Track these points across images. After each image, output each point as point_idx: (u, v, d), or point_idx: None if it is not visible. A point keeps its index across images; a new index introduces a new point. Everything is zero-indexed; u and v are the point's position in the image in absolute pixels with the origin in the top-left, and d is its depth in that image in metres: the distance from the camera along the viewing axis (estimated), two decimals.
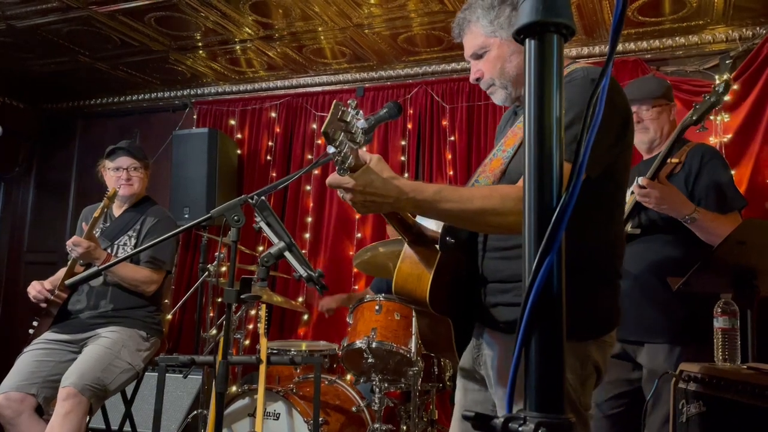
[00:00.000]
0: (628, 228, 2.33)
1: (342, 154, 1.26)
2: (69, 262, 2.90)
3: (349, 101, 1.28)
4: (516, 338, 1.60)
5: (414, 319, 2.96)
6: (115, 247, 3.05)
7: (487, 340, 1.58)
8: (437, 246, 1.52)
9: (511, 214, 1.36)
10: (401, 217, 1.51)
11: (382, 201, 1.33)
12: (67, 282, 2.20)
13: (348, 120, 1.25)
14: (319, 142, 4.70)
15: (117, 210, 3.17)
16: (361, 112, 1.30)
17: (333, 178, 1.34)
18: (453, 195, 1.38)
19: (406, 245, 1.57)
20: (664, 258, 2.27)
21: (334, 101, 1.25)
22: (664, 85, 2.50)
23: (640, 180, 2.12)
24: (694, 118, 2.08)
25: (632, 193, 2.42)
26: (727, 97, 2.13)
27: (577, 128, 1.36)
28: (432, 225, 1.60)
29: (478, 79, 1.67)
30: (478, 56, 1.64)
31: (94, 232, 2.95)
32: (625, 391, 2.32)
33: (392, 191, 1.33)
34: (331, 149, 1.25)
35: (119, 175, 3.08)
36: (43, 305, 2.94)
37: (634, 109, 2.44)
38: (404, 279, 1.55)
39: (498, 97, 1.67)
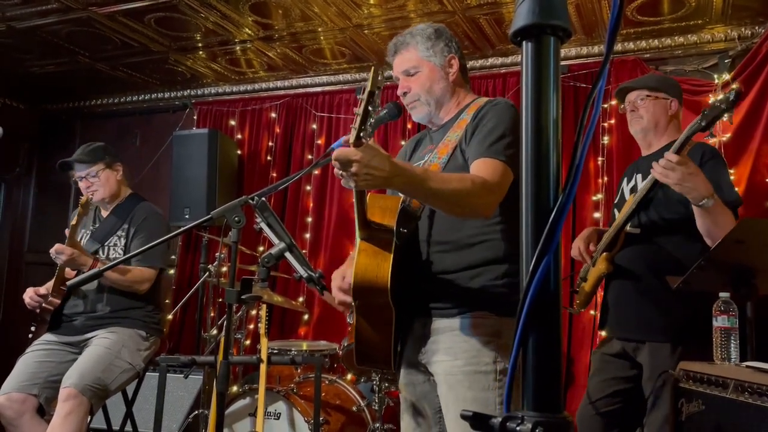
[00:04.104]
0: (628, 227, 2.33)
1: (373, 115, 1.39)
2: (57, 269, 2.87)
3: (381, 69, 1.38)
4: (463, 320, 1.69)
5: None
6: (106, 248, 3.05)
7: (433, 327, 1.75)
8: (388, 238, 1.64)
9: (479, 196, 1.60)
10: (364, 212, 1.64)
11: (379, 175, 1.44)
12: (68, 283, 2.20)
13: (381, 87, 1.39)
14: (320, 142, 4.70)
15: (105, 212, 3.16)
16: None
17: (341, 150, 1.43)
18: (436, 176, 1.60)
19: (359, 241, 1.66)
20: (664, 257, 2.27)
21: (373, 65, 1.35)
22: (666, 81, 2.51)
23: (669, 154, 2.04)
24: (703, 123, 2.04)
25: (632, 193, 2.43)
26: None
27: (510, 140, 1.68)
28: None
29: (405, 93, 1.91)
30: (409, 74, 1.90)
31: (80, 236, 2.94)
32: (622, 389, 2.33)
33: (388, 167, 1.45)
34: (371, 107, 1.38)
35: (82, 185, 3.07)
36: (38, 311, 2.94)
37: (631, 97, 2.47)
38: (363, 269, 1.61)
39: (419, 113, 1.92)
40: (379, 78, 1.37)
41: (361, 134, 1.40)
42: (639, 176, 2.44)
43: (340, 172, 1.45)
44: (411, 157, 2.00)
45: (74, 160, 3.08)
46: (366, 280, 1.61)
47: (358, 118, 1.39)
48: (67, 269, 2.90)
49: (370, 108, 1.37)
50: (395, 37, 1.97)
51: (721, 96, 2.03)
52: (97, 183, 3.07)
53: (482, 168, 1.66)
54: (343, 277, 1.71)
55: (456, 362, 1.69)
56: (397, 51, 1.93)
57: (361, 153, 1.41)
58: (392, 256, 1.61)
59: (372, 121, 1.39)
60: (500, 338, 1.68)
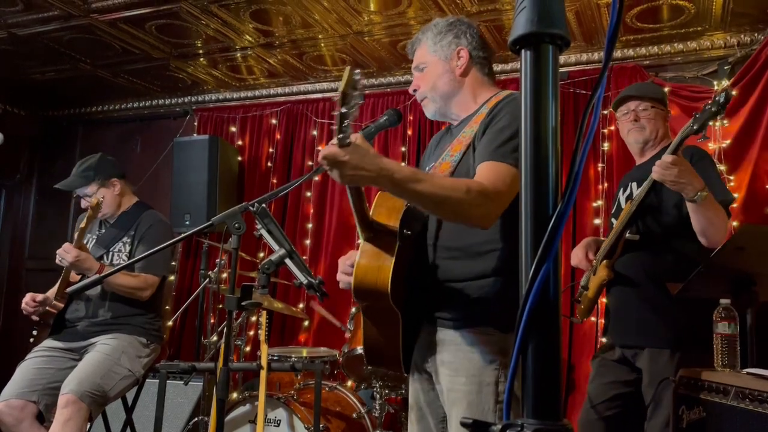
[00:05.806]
0: (627, 235, 2.33)
1: (351, 117, 1.36)
2: (63, 272, 2.87)
3: (357, 70, 1.35)
4: (468, 335, 1.64)
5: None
6: (111, 254, 3.05)
7: (438, 337, 1.69)
8: (392, 240, 1.60)
9: (474, 206, 1.51)
10: (364, 213, 1.60)
11: (366, 174, 1.44)
12: (68, 290, 2.20)
13: (358, 88, 1.35)
14: (320, 148, 4.71)
15: (112, 217, 3.17)
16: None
17: (329, 150, 1.42)
18: (426, 177, 1.52)
19: (363, 242, 1.62)
20: (663, 264, 2.27)
21: (348, 66, 1.33)
22: (662, 91, 2.56)
23: (665, 156, 2.09)
24: (695, 127, 2.06)
25: (628, 200, 2.43)
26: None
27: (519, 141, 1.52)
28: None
29: (415, 90, 1.87)
30: (419, 70, 1.86)
31: (87, 240, 2.92)
32: (622, 392, 2.33)
33: (375, 167, 1.44)
34: (344, 110, 1.33)
35: (83, 202, 3.09)
36: (35, 318, 2.92)
37: (632, 106, 2.46)
38: (364, 272, 1.58)
39: (429, 110, 1.87)
40: (355, 78, 1.33)
41: (342, 135, 1.38)
42: (634, 184, 2.45)
43: (328, 168, 1.44)
44: (432, 155, 1.92)
45: (67, 185, 3.08)
46: (366, 283, 1.57)
47: (337, 121, 1.37)
48: (72, 273, 2.89)
49: (344, 110, 1.34)
50: (414, 36, 1.92)
51: (712, 99, 2.04)
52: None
53: (485, 173, 1.56)
54: (351, 264, 1.63)
55: (458, 379, 1.62)
56: (413, 48, 1.90)
57: (349, 155, 1.40)
58: (394, 259, 1.55)
59: (348, 121, 1.36)
60: (505, 356, 1.59)
